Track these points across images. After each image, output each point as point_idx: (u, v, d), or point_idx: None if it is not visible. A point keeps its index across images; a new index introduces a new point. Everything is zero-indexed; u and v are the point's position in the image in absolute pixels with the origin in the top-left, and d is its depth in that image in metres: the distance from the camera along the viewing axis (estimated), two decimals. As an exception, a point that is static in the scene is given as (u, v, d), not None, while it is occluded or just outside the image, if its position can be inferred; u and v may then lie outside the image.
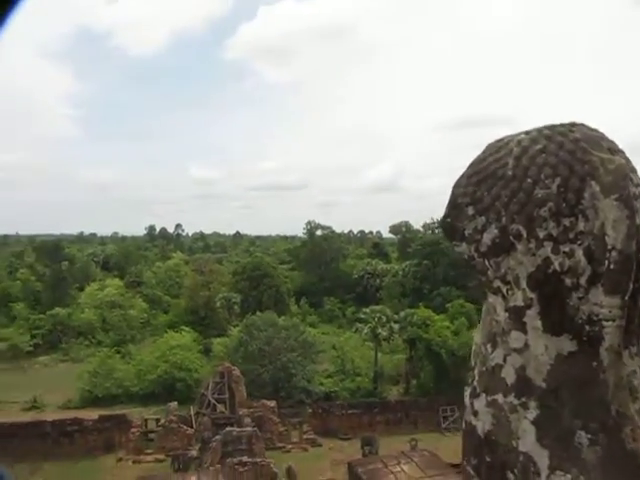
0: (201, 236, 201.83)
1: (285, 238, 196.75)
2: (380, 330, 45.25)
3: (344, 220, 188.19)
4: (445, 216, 2.03)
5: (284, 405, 38.81)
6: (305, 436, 35.14)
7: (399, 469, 17.66)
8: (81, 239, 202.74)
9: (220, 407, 36.73)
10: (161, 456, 32.53)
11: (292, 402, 40.36)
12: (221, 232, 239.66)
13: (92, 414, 37.17)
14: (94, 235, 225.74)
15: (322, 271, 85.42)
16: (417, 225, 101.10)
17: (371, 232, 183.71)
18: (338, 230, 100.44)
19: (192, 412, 36.79)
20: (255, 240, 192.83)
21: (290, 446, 34.16)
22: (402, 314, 47.50)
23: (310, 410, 38.38)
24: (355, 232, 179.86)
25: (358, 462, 19.83)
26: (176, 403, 37.15)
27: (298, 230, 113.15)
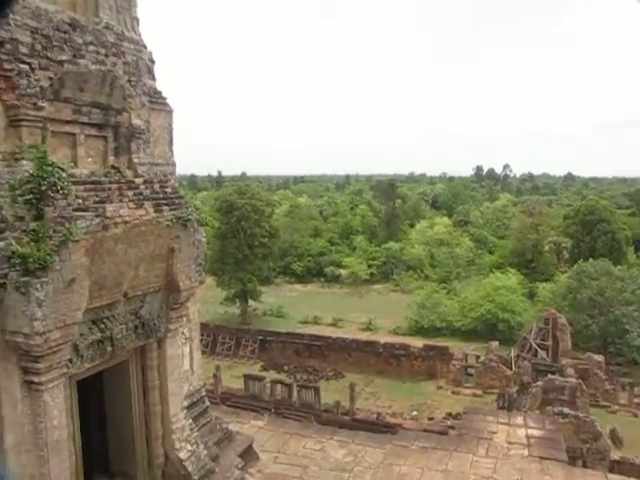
0: (529, 177, 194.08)
1: (624, 180, 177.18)
2: None
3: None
4: None
5: (613, 362, 35.93)
6: (636, 400, 32.09)
7: None
8: (411, 179, 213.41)
9: (542, 353, 35.75)
10: (479, 391, 33.41)
11: (623, 360, 37.07)
12: (551, 173, 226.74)
13: (417, 342, 39.84)
14: (424, 175, 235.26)
15: (669, 219, 74.83)
16: None
17: None
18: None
19: (512, 354, 36.63)
20: (589, 182, 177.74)
21: (617, 407, 31.58)
22: None
23: (644, 371, 34.79)
24: None
25: None
26: (497, 343, 37.35)
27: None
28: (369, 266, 68.29)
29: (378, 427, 24.63)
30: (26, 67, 9.83)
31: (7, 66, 9.53)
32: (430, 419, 28.76)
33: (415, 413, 30.30)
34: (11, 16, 9.97)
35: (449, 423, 25.43)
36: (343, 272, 69.13)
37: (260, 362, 39.29)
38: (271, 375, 34.21)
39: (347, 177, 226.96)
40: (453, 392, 33.77)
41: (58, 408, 9.81)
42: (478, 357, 36.36)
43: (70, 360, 9.99)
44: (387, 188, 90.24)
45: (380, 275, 68.60)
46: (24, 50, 9.97)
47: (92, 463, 11.86)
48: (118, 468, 13.21)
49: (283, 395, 29.03)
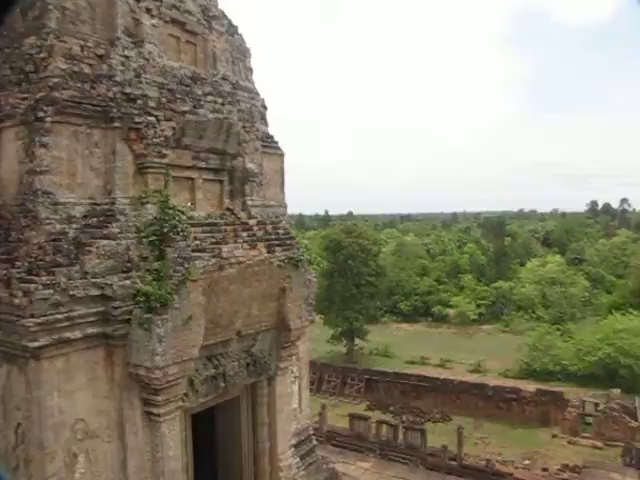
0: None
1: None
2: None
3: None
4: None
5: None
6: None
7: None
8: (521, 215, 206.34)
9: (670, 404, 32.89)
10: (599, 443, 31.07)
11: None
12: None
13: (529, 386, 37.94)
14: (534, 212, 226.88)
15: None
16: None
17: None
18: None
19: (638, 404, 33.99)
20: None
21: None
22: None
23: None
24: None
25: None
26: (619, 390, 34.80)
27: None
28: (477, 306, 66.46)
29: (488, 475, 23.63)
30: (153, 119, 10.68)
31: (138, 119, 10.41)
32: (544, 470, 27.12)
33: (527, 462, 28.72)
34: (142, 75, 10.93)
35: (566, 476, 23.91)
36: (451, 312, 67.68)
37: (366, 401, 38.95)
38: (376, 415, 33.82)
39: (454, 215, 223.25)
40: (569, 442, 31.69)
41: (174, 440, 10.25)
42: (597, 405, 33.98)
43: (186, 394, 10.45)
44: (496, 225, 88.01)
45: (489, 315, 66.50)
46: (152, 104, 10.86)
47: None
48: (226, 502, 13.50)
49: (388, 436, 28.59)
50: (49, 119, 9.72)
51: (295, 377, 13.65)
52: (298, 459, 13.92)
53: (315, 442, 15.21)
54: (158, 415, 9.89)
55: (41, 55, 10.42)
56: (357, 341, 50.52)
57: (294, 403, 13.86)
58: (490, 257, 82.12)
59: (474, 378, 42.10)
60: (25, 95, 10.25)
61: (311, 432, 15.08)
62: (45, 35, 10.43)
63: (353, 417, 30.49)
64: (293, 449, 13.71)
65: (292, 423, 13.72)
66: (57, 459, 9.21)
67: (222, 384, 11.07)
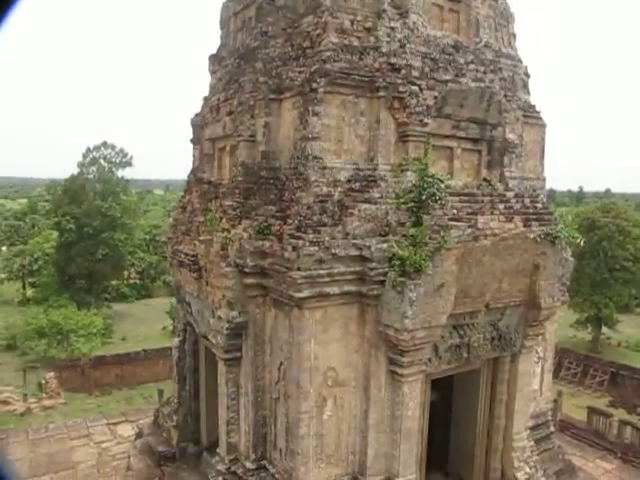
0: None
1: None
2: None
3: None
4: None
5: None
6: None
7: None
8: None
9: None
10: None
11: None
12: None
13: None
14: None
15: None
16: None
17: None
18: None
19: None
20: None
21: None
22: None
23: None
24: None
25: None
26: None
27: None
28: None
29: None
30: (416, 88, 10.90)
31: (401, 89, 10.72)
32: None
33: None
34: (407, 45, 11.17)
35: None
36: None
37: (608, 397, 35.88)
38: (620, 414, 30.99)
39: None
40: None
41: (414, 401, 10.63)
42: None
43: (429, 359, 10.71)
44: None
45: None
46: (415, 73, 11.07)
47: (430, 458, 12.45)
48: (454, 470, 13.65)
49: (633, 440, 26.10)
50: (321, 89, 10.46)
51: (539, 358, 13.16)
52: (533, 442, 13.49)
53: (553, 429, 14.56)
54: (401, 375, 10.30)
55: (317, 32, 11.23)
56: (604, 330, 46.53)
57: (535, 384, 13.39)
58: None
59: None
60: (302, 69, 11.17)
61: (549, 417, 14.46)
62: (320, 13, 11.19)
63: (593, 411, 28.33)
64: (529, 431, 13.31)
65: (530, 404, 13.29)
66: (310, 399, 10.17)
67: (465, 354, 11.12)
